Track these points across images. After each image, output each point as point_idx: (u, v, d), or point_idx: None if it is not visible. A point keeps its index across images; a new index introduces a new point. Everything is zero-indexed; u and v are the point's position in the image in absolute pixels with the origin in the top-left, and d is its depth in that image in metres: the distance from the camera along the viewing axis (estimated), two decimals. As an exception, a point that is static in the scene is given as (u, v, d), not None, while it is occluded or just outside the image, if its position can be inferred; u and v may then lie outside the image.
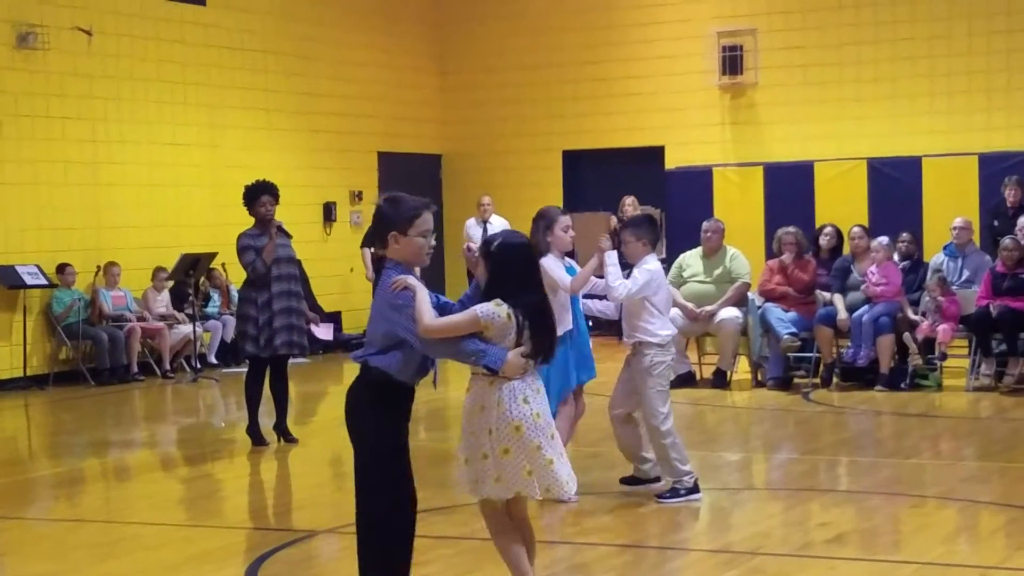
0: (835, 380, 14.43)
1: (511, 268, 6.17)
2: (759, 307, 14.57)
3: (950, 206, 16.91)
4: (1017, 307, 13.81)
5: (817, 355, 14.52)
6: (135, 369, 16.69)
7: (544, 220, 9.22)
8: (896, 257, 14.81)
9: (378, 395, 6.11)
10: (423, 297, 6.01)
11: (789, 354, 14.35)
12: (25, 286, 16.04)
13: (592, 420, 10.49)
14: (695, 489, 9.02)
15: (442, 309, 6.13)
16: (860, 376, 14.33)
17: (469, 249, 6.58)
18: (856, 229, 14.89)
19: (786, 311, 14.46)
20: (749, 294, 14.79)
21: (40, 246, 16.46)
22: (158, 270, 17.30)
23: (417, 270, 6.26)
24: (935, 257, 15.18)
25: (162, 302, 17.42)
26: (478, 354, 6.06)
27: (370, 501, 6.16)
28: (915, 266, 14.92)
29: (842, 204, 18.38)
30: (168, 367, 16.99)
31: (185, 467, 11.58)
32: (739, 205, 19.23)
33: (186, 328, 17.10)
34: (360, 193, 20.73)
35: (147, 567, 7.87)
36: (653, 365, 8.91)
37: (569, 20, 21.37)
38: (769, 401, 13.82)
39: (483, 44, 21.92)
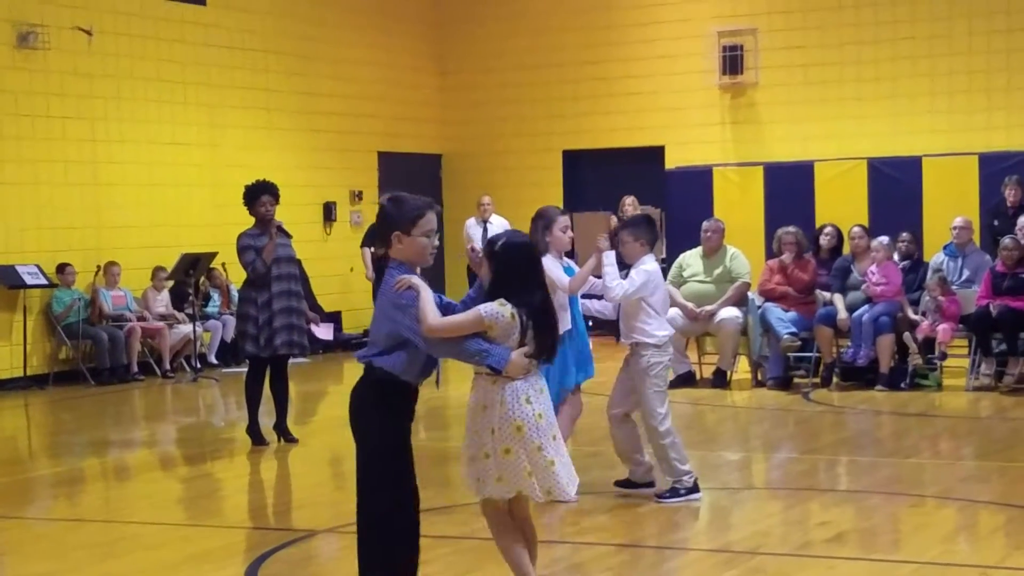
0: (835, 380, 14.43)
1: (515, 268, 6.18)
2: (759, 307, 14.58)
3: (950, 206, 16.91)
4: (1017, 307, 13.81)
5: (817, 355, 14.52)
6: (135, 369, 16.70)
7: (543, 220, 9.22)
8: (896, 257, 14.81)
9: (383, 395, 6.12)
10: (427, 297, 6.02)
11: (789, 354, 14.35)
12: (25, 286, 16.04)
13: (592, 419, 10.49)
14: (695, 489, 9.01)
15: (445, 309, 6.14)
16: (860, 376, 14.33)
17: (473, 250, 6.59)
18: (856, 229, 14.90)
19: (786, 311, 14.46)
20: (749, 294, 14.79)
21: (40, 246, 16.46)
22: (157, 270, 17.30)
23: (418, 270, 6.26)
24: (935, 257, 15.18)
25: (162, 302, 17.42)
26: (482, 354, 6.07)
27: (372, 500, 6.16)
28: (915, 266, 14.92)
29: (842, 204, 18.37)
30: (168, 367, 17.00)
31: (185, 467, 11.58)
32: (739, 205, 19.22)
33: (186, 328, 17.11)
34: (360, 193, 20.73)
35: (147, 567, 7.87)
36: (651, 366, 8.91)
37: (569, 20, 21.37)
38: (769, 401, 13.83)
39: (483, 44, 21.92)
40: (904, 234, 15.13)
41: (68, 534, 8.83)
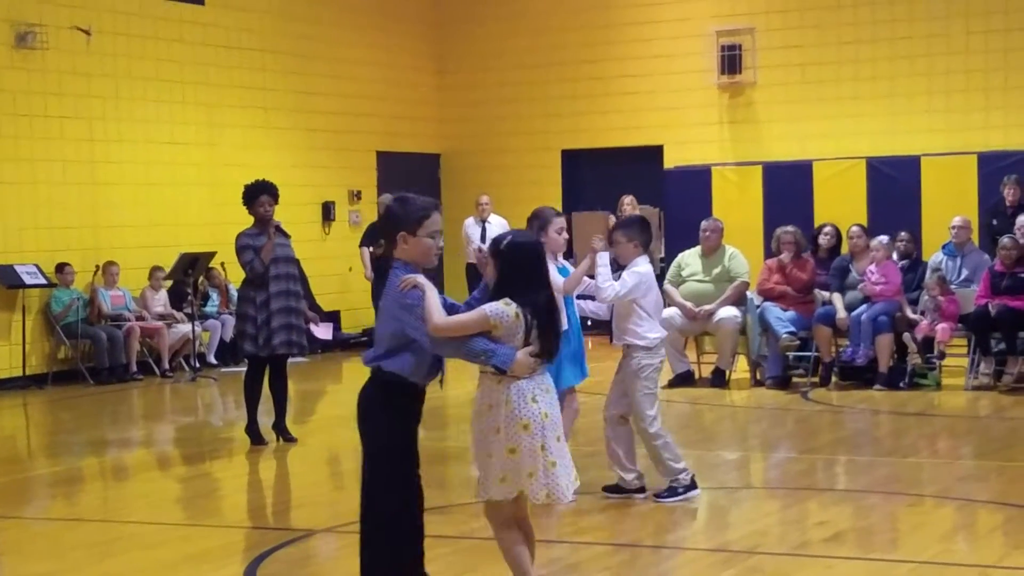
0: (834, 379, 14.44)
1: (520, 267, 6.19)
2: (758, 306, 14.58)
3: (949, 205, 16.91)
4: (1016, 306, 13.82)
5: (816, 354, 14.52)
6: (134, 368, 16.70)
7: (538, 221, 9.20)
8: (895, 256, 14.81)
9: (390, 396, 6.14)
10: (433, 296, 6.03)
11: (788, 353, 14.35)
12: (24, 285, 16.04)
13: (590, 419, 10.49)
14: (693, 485, 9.01)
15: (448, 310, 6.15)
16: (859, 375, 14.33)
17: (480, 250, 6.60)
18: (855, 228, 14.90)
19: (785, 310, 14.47)
20: (748, 293, 14.80)
21: (39, 245, 16.46)
22: (155, 269, 17.30)
23: (420, 270, 6.27)
24: (934, 256, 15.19)
25: (159, 301, 17.42)
26: (487, 353, 6.07)
27: (380, 501, 6.18)
28: (914, 265, 14.92)
29: (841, 203, 18.38)
30: (167, 366, 16.99)
31: (183, 466, 11.58)
32: (738, 204, 19.23)
33: (185, 327, 17.10)
34: (359, 192, 20.73)
35: (145, 566, 7.87)
36: (641, 368, 8.90)
37: (568, 20, 21.37)
38: (767, 400, 13.83)
39: (482, 43, 21.92)
40: (903, 233, 15.14)
41: (66, 533, 8.83)
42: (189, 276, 16.91)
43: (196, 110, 18.41)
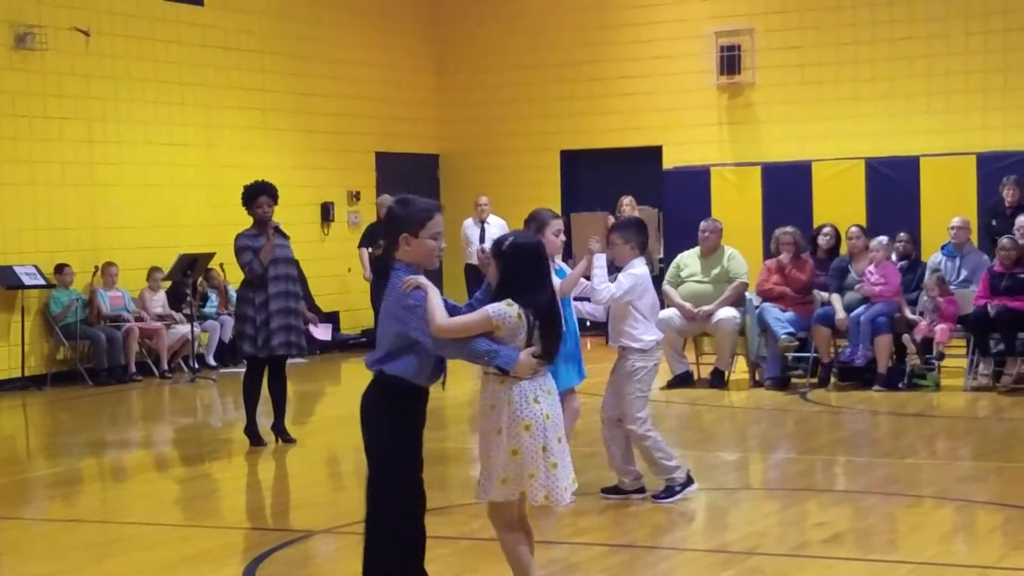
0: (832, 380, 14.44)
1: (522, 268, 6.19)
2: (757, 307, 14.58)
3: (948, 206, 16.92)
4: (1015, 307, 13.82)
5: (815, 355, 14.52)
6: (133, 369, 16.70)
7: (535, 223, 9.18)
8: (893, 257, 14.81)
9: (393, 399, 6.15)
10: (435, 297, 6.03)
11: (787, 354, 14.35)
12: (23, 286, 16.04)
13: (589, 420, 10.49)
14: (689, 481, 9.00)
15: (449, 312, 6.15)
16: (858, 376, 14.33)
17: (483, 251, 6.60)
18: (853, 229, 14.90)
19: (784, 311, 14.47)
20: (747, 294, 14.80)
21: (38, 246, 16.46)
22: (153, 270, 17.30)
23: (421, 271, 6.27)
24: (933, 257, 15.19)
25: (158, 302, 17.41)
26: (490, 354, 6.08)
27: (383, 502, 6.18)
28: (913, 266, 14.92)
29: (840, 204, 18.38)
30: (166, 367, 16.99)
31: (182, 467, 11.58)
32: (737, 205, 19.24)
33: (184, 328, 17.10)
34: (358, 193, 20.73)
35: (144, 567, 7.87)
36: (635, 370, 8.90)
37: (567, 20, 21.37)
38: (766, 401, 13.83)
39: (480, 44, 21.92)
40: (902, 234, 15.14)
41: (65, 534, 8.83)
42: (188, 277, 16.91)
43: (195, 111, 18.41)
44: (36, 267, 16.17)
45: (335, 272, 20.08)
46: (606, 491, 9.14)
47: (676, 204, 19.60)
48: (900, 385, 14.05)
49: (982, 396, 13.71)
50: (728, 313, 14.57)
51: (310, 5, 20.24)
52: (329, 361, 18.68)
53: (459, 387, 12.71)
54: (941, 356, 14.13)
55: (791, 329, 14.27)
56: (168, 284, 17.53)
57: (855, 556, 7.70)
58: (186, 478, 10.99)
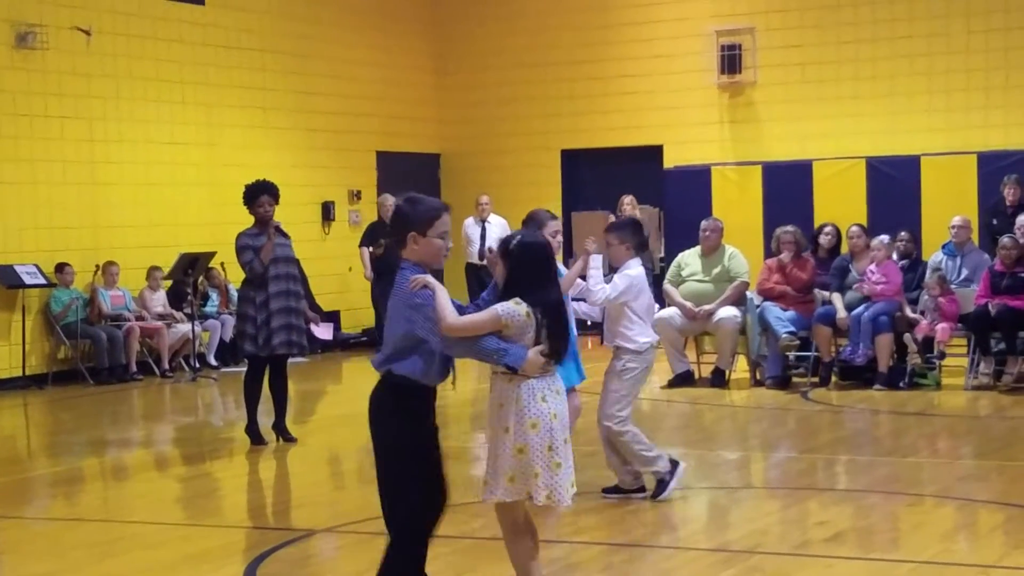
0: (833, 379, 14.44)
1: (530, 267, 6.19)
2: (757, 306, 14.58)
3: (949, 205, 16.92)
4: (1016, 306, 13.81)
5: (815, 354, 14.52)
6: (134, 368, 16.70)
7: (533, 223, 9.16)
8: (894, 256, 14.81)
9: (401, 399, 6.14)
10: (443, 296, 6.03)
11: (788, 353, 14.35)
12: (24, 285, 16.04)
13: (589, 420, 10.47)
14: (675, 465, 8.97)
15: (456, 311, 6.15)
16: (858, 375, 14.33)
17: (490, 250, 6.60)
18: (854, 228, 14.90)
19: (784, 310, 14.47)
20: (748, 293, 14.80)
21: (38, 245, 16.46)
22: (153, 269, 17.30)
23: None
24: (934, 256, 15.19)
25: (158, 301, 17.41)
26: (499, 352, 6.07)
27: (399, 502, 6.17)
28: (914, 265, 14.92)
29: (841, 203, 18.38)
30: (167, 366, 16.99)
31: (184, 466, 11.58)
32: (737, 204, 19.24)
33: (185, 327, 17.10)
34: (359, 192, 20.73)
35: (145, 566, 7.87)
36: (625, 370, 8.89)
37: (567, 19, 21.37)
38: (767, 400, 13.83)
39: (481, 43, 21.92)
40: (903, 233, 15.13)
41: (67, 533, 8.83)
42: (189, 276, 16.91)
43: (196, 110, 18.41)
44: (37, 266, 16.17)
45: (336, 271, 20.09)
46: (607, 491, 9.13)
47: (677, 203, 19.60)
48: (901, 384, 14.05)
49: (983, 395, 13.71)
50: (729, 312, 14.57)
51: (311, 4, 20.25)
52: (330, 360, 18.68)
53: (460, 386, 12.71)
54: (942, 355, 14.13)
55: (792, 328, 14.27)
56: (169, 283, 17.53)
57: (856, 555, 7.69)
58: (187, 477, 10.99)
